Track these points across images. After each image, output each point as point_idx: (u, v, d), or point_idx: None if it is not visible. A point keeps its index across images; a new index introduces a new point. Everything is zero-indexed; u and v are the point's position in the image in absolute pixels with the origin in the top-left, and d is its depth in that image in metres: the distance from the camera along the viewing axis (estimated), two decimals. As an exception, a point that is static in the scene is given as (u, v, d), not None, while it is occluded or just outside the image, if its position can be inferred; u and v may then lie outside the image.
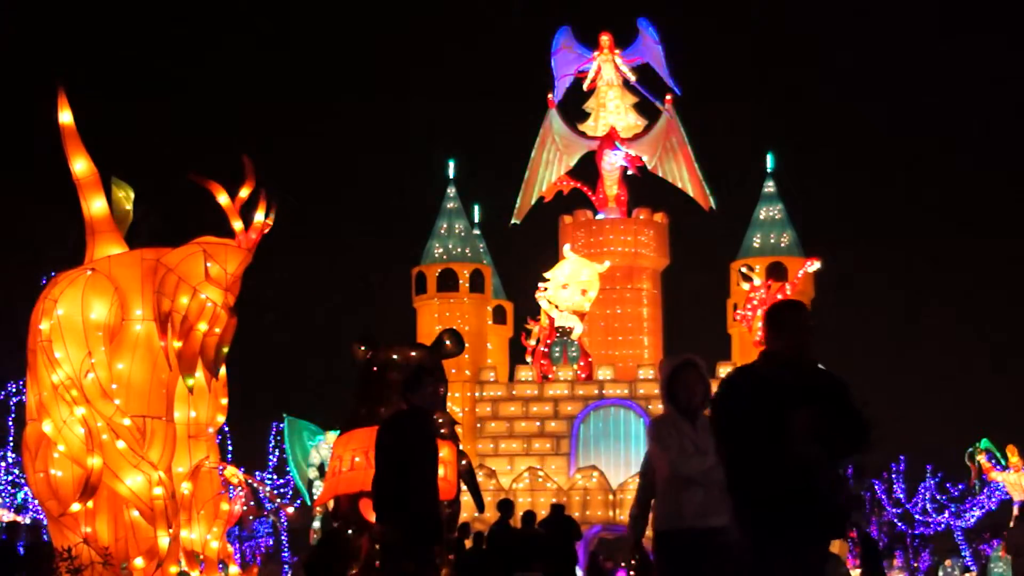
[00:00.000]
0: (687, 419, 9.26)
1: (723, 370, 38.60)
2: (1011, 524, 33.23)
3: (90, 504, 15.16)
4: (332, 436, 30.12)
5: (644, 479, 9.91)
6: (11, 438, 32.01)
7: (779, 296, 36.57)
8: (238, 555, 25.97)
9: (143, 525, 15.21)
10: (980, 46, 77.74)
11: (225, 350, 15.41)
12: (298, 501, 36.45)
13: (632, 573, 11.14)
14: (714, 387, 10.41)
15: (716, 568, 9.06)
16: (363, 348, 15.82)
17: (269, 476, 37.75)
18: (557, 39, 41.92)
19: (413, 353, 16.11)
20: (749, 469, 7.20)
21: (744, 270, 37.55)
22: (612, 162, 40.62)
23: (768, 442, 7.12)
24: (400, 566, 10.26)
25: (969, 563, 40.54)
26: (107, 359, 15.26)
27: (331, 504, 16.20)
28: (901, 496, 43.71)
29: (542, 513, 22.83)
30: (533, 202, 41.18)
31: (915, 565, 43.72)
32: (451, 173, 41.48)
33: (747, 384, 7.38)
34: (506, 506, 20.40)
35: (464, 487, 16.44)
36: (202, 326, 14.94)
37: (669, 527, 9.20)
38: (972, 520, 41.93)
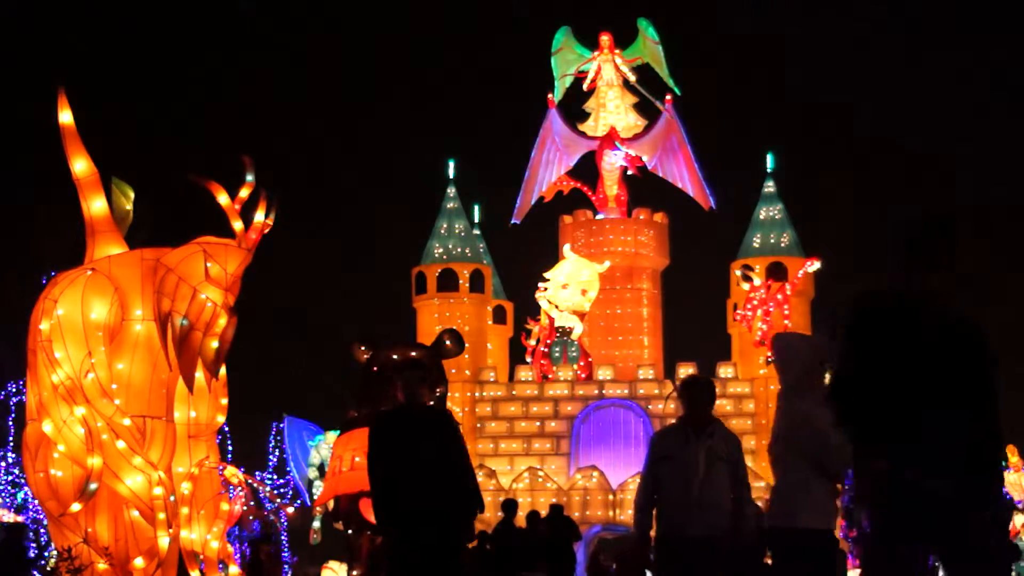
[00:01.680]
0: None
1: (723, 370, 38.63)
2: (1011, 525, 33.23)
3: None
4: (332, 436, 30.13)
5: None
6: (11, 438, 32.00)
7: (779, 296, 36.57)
8: (238, 555, 25.95)
9: (143, 525, 15.21)
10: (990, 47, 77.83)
11: (225, 349, 15.42)
12: (298, 501, 36.44)
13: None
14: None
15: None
16: (363, 348, 15.83)
17: (269, 476, 37.73)
18: (557, 39, 41.92)
19: (413, 353, 16.12)
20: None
21: (744, 270, 37.54)
22: (612, 162, 40.60)
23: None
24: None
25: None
26: (107, 359, 15.26)
27: (331, 504, 16.22)
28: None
29: (542, 513, 22.88)
30: (533, 202, 41.16)
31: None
32: (451, 173, 41.50)
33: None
34: (510, 506, 20.42)
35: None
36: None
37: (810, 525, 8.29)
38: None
